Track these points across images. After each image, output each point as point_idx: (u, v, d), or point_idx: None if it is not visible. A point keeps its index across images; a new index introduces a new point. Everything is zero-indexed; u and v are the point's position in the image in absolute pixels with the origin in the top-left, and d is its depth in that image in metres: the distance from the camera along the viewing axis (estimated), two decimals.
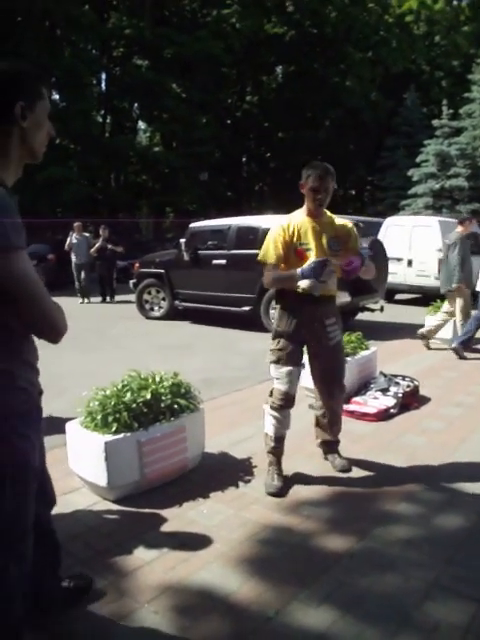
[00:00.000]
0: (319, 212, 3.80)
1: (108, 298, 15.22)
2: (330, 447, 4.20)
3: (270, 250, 3.78)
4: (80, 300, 14.88)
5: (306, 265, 3.57)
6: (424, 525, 3.37)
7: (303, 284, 3.63)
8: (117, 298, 15.30)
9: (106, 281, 15.28)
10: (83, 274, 14.92)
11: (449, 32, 39.48)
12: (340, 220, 3.94)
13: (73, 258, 14.96)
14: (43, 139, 1.98)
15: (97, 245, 14.84)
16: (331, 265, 3.59)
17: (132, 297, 12.75)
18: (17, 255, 1.73)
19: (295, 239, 3.75)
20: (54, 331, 1.91)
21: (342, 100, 34.66)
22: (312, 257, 3.68)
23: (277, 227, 3.81)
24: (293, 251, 3.74)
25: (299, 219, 3.82)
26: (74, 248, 14.89)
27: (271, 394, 3.90)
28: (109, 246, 14.95)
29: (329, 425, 4.13)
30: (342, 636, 2.42)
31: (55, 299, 1.89)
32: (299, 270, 3.58)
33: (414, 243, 14.31)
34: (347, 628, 2.47)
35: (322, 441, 4.21)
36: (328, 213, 3.91)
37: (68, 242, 14.98)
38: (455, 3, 41.98)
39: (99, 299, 15.18)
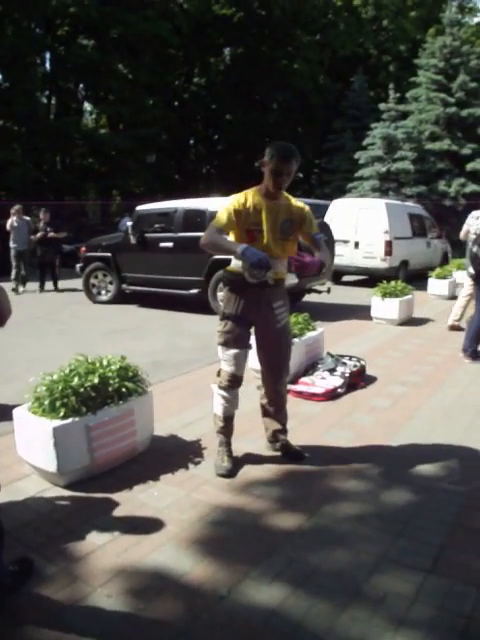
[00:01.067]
0: (277, 193, 3.71)
1: (53, 286, 13.83)
2: (280, 435, 4.14)
3: (222, 217, 3.63)
4: (13, 286, 13.36)
5: (251, 252, 3.38)
6: (372, 501, 3.44)
7: (238, 265, 3.60)
8: (62, 285, 13.98)
9: (48, 269, 13.89)
10: (22, 262, 13.80)
11: (396, 17, 39.74)
12: (296, 202, 3.87)
13: (11, 244, 13.76)
14: None
15: (38, 233, 13.62)
16: (271, 272, 3.51)
17: (77, 284, 12.60)
18: None
19: (250, 217, 3.65)
20: None
21: (290, 83, 34.68)
22: (263, 240, 3.64)
23: (233, 199, 3.70)
24: (244, 230, 3.66)
25: (254, 198, 3.70)
26: (13, 233, 13.73)
27: (219, 374, 3.90)
28: (50, 232, 13.62)
29: (276, 412, 4.10)
30: (294, 611, 2.47)
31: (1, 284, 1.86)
32: (241, 249, 3.41)
33: (361, 225, 14.49)
34: (298, 603, 2.51)
35: (272, 431, 4.14)
36: (285, 194, 3.82)
37: (8, 225, 13.74)
38: None
39: (36, 287, 13.77)
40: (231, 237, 3.73)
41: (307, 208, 3.89)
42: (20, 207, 13.97)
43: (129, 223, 11.21)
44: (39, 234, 13.60)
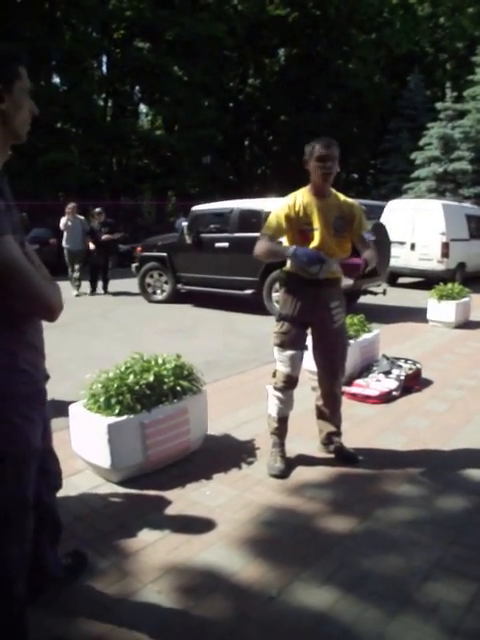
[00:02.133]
0: (326, 188, 3.71)
1: (101, 290, 13.30)
2: (334, 438, 4.12)
3: (272, 223, 3.69)
4: (75, 292, 12.96)
5: (301, 252, 3.45)
6: (426, 506, 3.38)
7: (292, 264, 3.61)
8: (117, 285, 13.68)
9: (100, 271, 13.33)
10: (77, 264, 13.17)
11: (453, 14, 39.07)
12: (347, 199, 3.86)
13: (65, 244, 13.20)
14: (25, 118, 1.95)
15: (93, 234, 13.13)
16: (328, 264, 3.50)
17: (132, 284, 12.74)
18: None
19: (301, 218, 3.66)
20: (48, 310, 1.91)
21: (345, 83, 34.45)
22: (316, 239, 3.64)
23: (283, 204, 3.72)
24: (297, 231, 3.68)
25: (305, 198, 3.72)
26: (67, 232, 13.10)
27: (274, 375, 3.89)
28: (105, 234, 13.16)
29: (331, 414, 4.08)
30: (343, 615, 2.44)
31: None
32: (291, 251, 3.49)
33: (417, 227, 14.27)
34: (349, 608, 2.48)
35: (326, 434, 4.11)
36: (334, 191, 3.82)
37: (62, 224, 13.17)
38: None
39: (88, 290, 13.26)
40: (285, 241, 3.73)
41: (357, 205, 3.88)
42: (74, 205, 13.36)
43: (185, 223, 11.28)
44: (94, 239, 13.12)
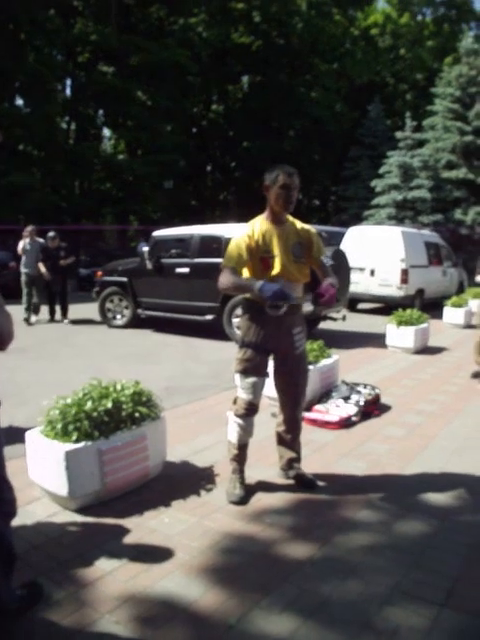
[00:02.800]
0: (283, 217, 3.76)
1: (61, 317, 12.65)
2: (294, 464, 4.11)
3: (233, 254, 3.66)
4: (34, 318, 12.48)
5: (267, 288, 3.42)
6: (385, 531, 3.40)
7: (259, 296, 3.54)
8: (74, 313, 12.92)
9: (57, 297, 12.71)
10: (34, 288, 12.48)
11: (413, 46, 40.20)
12: (302, 225, 3.89)
13: (22, 268, 12.50)
14: None
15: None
16: (293, 297, 3.54)
17: (92, 309, 12.61)
18: None
19: (260, 246, 3.67)
20: None
21: (307, 111, 35.02)
22: (277, 265, 3.67)
23: (242, 234, 3.71)
24: (258, 259, 3.68)
25: (262, 226, 3.74)
26: (25, 257, 12.44)
27: (235, 402, 3.88)
28: (60, 259, 12.42)
29: (292, 440, 4.07)
30: None
31: (11, 308, 1.86)
32: (257, 286, 3.45)
33: (377, 253, 14.46)
34: (309, 634, 2.48)
35: (287, 460, 4.10)
36: (290, 218, 3.86)
37: (20, 248, 12.53)
38: (420, 18, 42.86)
39: (46, 317, 12.80)
40: (245, 270, 3.74)
41: (314, 230, 3.94)
42: (33, 228, 12.78)
43: (145, 248, 11.26)
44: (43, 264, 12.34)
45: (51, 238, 12.59)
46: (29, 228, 12.82)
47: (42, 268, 12.33)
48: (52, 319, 12.83)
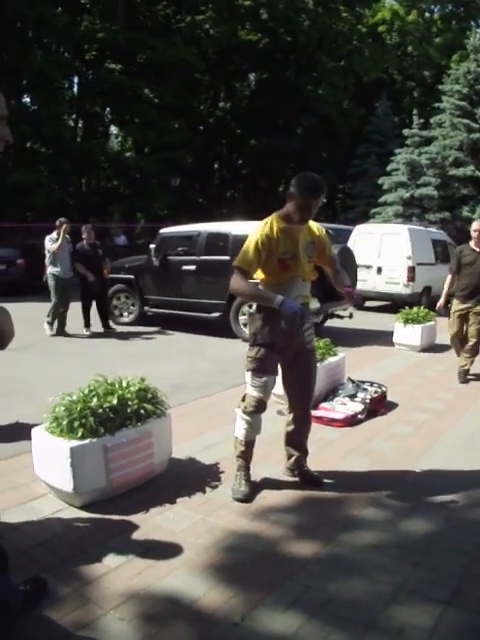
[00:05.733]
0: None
1: (102, 325, 10.87)
2: (302, 462, 4.10)
3: (250, 255, 3.57)
4: (59, 329, 10.25)
5: (288, 305, 3.37)
6: (391, 530, 3.39)
7: (280, 310, 3.45)
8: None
9: (93, 302, 10.71)
10: (65, 295, 10.24)
11: (421, 43, 40.07)
12: (314, 224, 3.85)
13: (52, 270, 10.21)
14: None
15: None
16: (310, 316, 3.63)
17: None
18: None
19: (280, 247, 3.60)
20: None
21: (314, 108, 34.84)
22: (295, 266, 3.65)
23: (261, 233, 3.59)
24: (275, 260, 3.62)
25: (280, 226, 3.64)
26: (58, 254, 10.13)
27: (243, 399, 3.87)
28: (100, 258, 10.73)
29: (301, 438, 4.05)
30: None
31: (17, 306, 1.86)
32: (279, 301, 3.40)
33: (384, 251, 14.43)
34: (313, 632, 2.47)
35: (296, 458, 4.08)
36: None
37: (51, 245, 10.15)
38: (427, 15, 42.76)
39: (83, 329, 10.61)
40: (258, 272, 3.72)
41: (323, 230, 3.92)
42: (67, 222, 10.50)
43: (152, 245, 11.24)
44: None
45: (88, 230, 10.77)
46: (62, 220, 10.52)
47: (82, 269, 10.34)
48: (107, 327, 10.97)
